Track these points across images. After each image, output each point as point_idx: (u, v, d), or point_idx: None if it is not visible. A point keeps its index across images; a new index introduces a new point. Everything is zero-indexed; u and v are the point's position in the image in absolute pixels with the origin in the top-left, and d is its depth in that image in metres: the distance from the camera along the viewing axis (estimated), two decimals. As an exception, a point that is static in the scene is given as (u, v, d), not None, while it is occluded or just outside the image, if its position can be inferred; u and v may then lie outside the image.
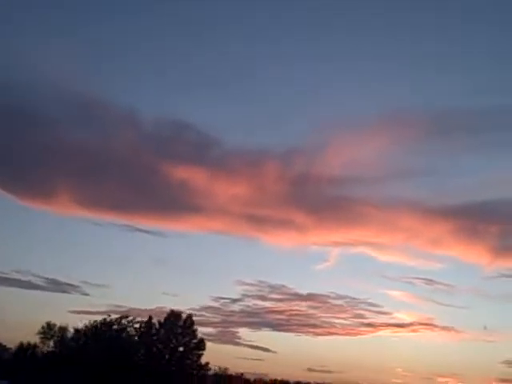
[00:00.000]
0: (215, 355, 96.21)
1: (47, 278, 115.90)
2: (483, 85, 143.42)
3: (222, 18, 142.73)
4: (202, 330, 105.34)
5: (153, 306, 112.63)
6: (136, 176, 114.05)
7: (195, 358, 76.43)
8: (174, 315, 76.92)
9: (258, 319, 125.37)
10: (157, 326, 76.22)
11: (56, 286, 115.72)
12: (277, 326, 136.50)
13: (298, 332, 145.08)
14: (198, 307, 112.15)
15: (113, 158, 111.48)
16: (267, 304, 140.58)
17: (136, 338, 74.58)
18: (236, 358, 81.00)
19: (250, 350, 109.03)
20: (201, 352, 76.80)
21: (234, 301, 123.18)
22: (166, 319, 76.49)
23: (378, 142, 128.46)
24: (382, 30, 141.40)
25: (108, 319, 74.93)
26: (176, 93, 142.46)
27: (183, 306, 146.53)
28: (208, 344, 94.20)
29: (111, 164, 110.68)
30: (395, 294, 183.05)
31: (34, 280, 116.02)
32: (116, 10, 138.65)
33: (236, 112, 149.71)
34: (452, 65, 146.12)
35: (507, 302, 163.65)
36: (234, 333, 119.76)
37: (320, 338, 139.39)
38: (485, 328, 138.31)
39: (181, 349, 76.21)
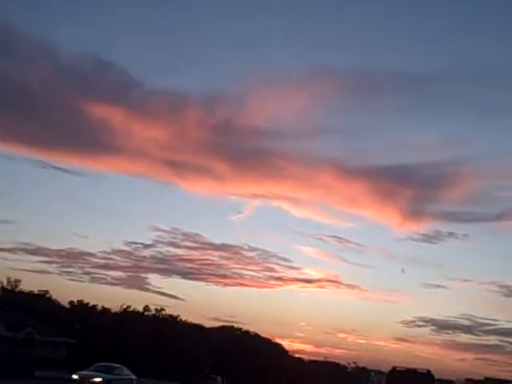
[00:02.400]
0: (122, 299, 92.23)
1: None
2: (406, 47, 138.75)
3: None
4: (111, 274, 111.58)
5: (63, 247, 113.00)
6: (53, 112, 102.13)
7: None
8: None
9: (168, 266, 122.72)
10: None
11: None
12: (187, 274, 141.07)
13: (207, 281, 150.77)
14: (109, 250, 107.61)
15: (28, 91, 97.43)
16: (179, 251, 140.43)
17: None
18: (143, 304, 68.86)
19: (159, 296, 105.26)
20: None
21: (146, 246, 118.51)
22: None
23: (302, 98, 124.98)
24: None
25: None
26: (98, 29, 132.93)
27: (94, 248, 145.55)
28: (116, 288, 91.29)
29: (26, 97, 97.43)
30: (306, 249, 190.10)
31: None
32: None
33: (159, 54, 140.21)
34: (376, 24, 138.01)
35: (411, 265, 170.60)
36: (143, 278, 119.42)
37: (229, 288, 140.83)
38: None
39: None
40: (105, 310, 67.02)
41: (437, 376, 24.81)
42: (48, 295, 66.94)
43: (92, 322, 58.93)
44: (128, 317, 63.27)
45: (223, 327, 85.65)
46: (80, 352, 50.94)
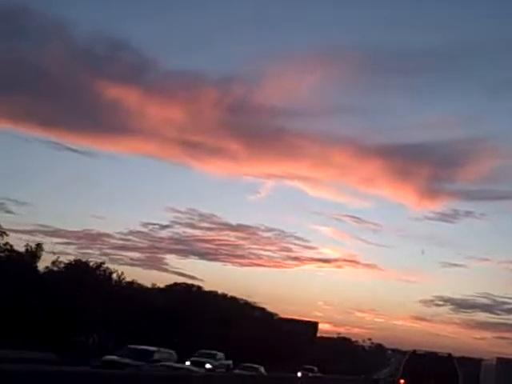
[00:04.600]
0: (140, 279, 77.60)
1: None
2: (422, 24, 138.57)
3: None
4: (129, 255, 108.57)
5: (80, 228, 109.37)
6: (67, 92, 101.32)
7: None
8: None
9: (186, 247, 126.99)
10: None
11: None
12: (205, 255, 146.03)
13: (225, 262, 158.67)
14: (126, 231, 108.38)
15: (42, 71, 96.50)
16: (196, 232, 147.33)
17: None
18: (161, 284, 67.14)
19: (177, 276, 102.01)
20: None
21: (163, 227, 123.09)
22: None
23: (317, 76, 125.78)
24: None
25: None
26: (113, 9, 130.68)
27: (111, 229, 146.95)
28: (135, 269, 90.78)
29: (40, 77, 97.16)
30: (323, 229, 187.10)
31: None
32: None
33: (174, 34, 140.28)
34: (391, 1, 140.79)
35: (429, 244, 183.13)
36: (161, 259, 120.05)
37: (246, 268, 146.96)
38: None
39: None
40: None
41: (463, 355, 25.21)
42: None
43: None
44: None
45: (176, 284, 71.76)
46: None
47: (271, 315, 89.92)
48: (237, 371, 36.95)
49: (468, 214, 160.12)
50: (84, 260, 51.72)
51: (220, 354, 37.17)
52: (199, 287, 72.91)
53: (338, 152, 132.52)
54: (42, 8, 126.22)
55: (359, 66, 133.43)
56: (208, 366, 31.52)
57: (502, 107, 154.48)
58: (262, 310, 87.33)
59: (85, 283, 46.35)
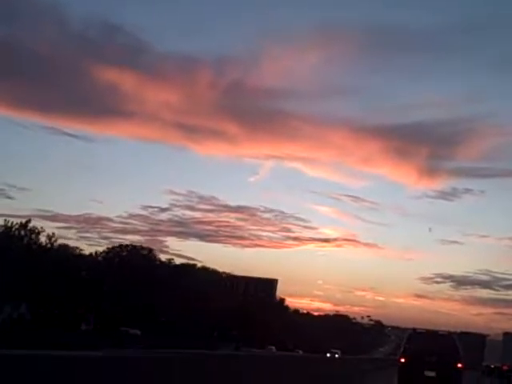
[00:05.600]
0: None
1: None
2: (421, 2, 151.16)
3: None
4: (129, 238, 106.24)
5: (80, 212, 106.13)
6: (63, 77, 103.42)
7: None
8: None
9: (186, 229, 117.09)
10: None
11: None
12: (205, 237, 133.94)
13: (225, 243, 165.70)
14: (125, 215, 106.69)
15: (38, 56, 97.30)
16: (196, 214, 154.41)
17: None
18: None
19: (177, 258, 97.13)
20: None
21: (163, 210, 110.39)
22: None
23: (314, 56, 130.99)
24: None
25: None
26: None
27: (110, 213, 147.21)
28: None
29: (36, 63, 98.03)
30: (323, 209, 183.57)
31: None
32: None
33: (168, 16, 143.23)
34: None
35: (429, 222, 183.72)
36: (161, 241, 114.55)
37: (247, 249, 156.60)
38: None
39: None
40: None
41: (463, 330, 25.66)
42: None
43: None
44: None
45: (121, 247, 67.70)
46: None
47: (218, 274, 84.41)
48: None
49: (467, 191, 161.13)
50: None
51: None
52: (150, 250, 68.20)
53: (337, 132, 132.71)
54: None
55: (358, 45, 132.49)
56: None
57: (502, 85, 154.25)
58: (209, 270, 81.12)
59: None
